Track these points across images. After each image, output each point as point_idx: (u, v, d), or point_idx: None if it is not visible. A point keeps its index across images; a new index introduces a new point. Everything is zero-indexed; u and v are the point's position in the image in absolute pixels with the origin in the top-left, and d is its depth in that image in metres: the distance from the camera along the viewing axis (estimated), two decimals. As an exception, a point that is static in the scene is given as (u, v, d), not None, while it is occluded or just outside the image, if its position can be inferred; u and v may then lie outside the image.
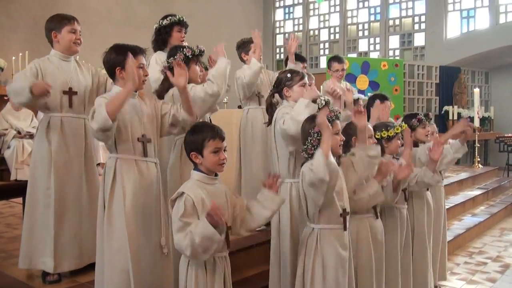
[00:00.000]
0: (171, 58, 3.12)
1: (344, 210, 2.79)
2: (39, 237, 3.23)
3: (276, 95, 3.37)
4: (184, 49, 3.13)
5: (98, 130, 2.51)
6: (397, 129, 3.44)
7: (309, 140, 2.74)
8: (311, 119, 2.85)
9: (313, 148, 2.73)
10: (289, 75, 3.26)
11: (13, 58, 8.26)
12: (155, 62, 3.73)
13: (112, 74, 2.76)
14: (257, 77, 4.15)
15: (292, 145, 3.10)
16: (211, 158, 2.39)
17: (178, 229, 2.24)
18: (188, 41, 3.85)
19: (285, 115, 3.06)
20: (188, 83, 3.16)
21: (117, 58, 2.70)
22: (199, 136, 2.41)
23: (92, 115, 2.53)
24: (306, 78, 3.28)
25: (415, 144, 3.93)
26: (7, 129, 7.32)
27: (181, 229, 2.23)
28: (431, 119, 4.06)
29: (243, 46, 4.36)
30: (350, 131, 3.15)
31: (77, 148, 3.30)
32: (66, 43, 3.30)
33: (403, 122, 3.59)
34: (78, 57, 3.49)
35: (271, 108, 3.36)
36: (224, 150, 2.44)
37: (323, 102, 3.64)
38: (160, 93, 3.21)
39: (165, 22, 3.84)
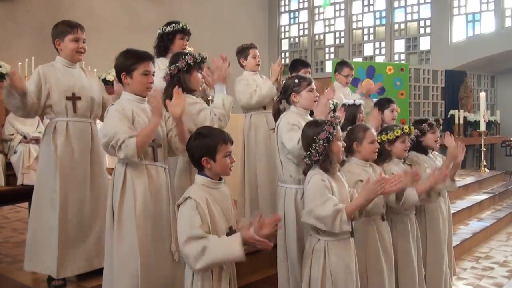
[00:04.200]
0: (173, 65, 3.13)
1: None
2: (44, 241, 3.22)
3: (283, 101, 3.37)
4: (186, 56, 3.14)
5: (124, 159, 2.62)
6: (397, 132, 3.40)
7: (313, 147, 2.73)
8: (314, 124, 2.84)
9: (317, 155, 2.72)
10: (296, 80, 3.26)
11: (19, 63, 8.30)
12: (158, 69, 3.73)
13: (120, 78, 2.78)
14: (269, 99, 4.18)
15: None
16: (224, 162, 2.36)
17: (190, 239, 2.20)
18: (193, 47, 3.86)
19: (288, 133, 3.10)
20: (190, 90, 3.19)
21: (123, 64, 2.73)
22: (211, 141, 2.35)
23: (119, 145, 2.56)
24: (313, 84, 3.28)
25: (424, 149, 3.89)
26: (13, 134, 7.36)
27: (194, 241, 2.19)
28: (441, 125, 4.03)
29: (242, 52, 4.37)
30: (352, 137, 3.14)
31: (82, 152, 3.30)
32: (69, 52, 3.29)
33: (406, 125, 3.57)
34: (84, 63, 3.50)
35: (278, 114, 3.35)
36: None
37: (332, 107, 3.63)
38: (163, 101, 3.21)
39: (168, 29, 3.86)
